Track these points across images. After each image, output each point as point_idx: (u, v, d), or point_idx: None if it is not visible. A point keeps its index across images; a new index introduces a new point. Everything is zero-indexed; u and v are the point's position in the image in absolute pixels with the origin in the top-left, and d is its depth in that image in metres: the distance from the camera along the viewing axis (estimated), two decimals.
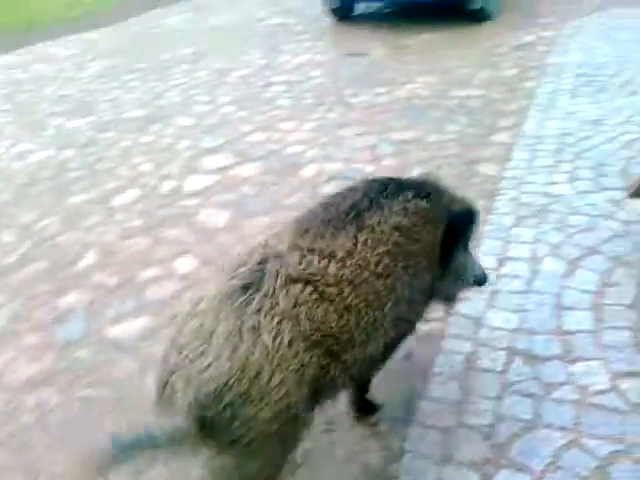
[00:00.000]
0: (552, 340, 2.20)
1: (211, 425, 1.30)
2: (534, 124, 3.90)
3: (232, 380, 1.27)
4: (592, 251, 2.63)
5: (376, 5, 7.52)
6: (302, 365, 1.36)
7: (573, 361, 2.09)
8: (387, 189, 1.63)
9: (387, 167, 3.67)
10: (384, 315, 1.53)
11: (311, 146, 4.08)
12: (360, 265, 1.47)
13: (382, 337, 1.56)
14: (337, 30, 7.06)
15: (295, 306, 1.37)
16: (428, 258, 1.66)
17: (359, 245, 1.49)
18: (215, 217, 3.37)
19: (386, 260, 1.51)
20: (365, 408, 1.99)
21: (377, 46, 6.17)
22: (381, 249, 1.51)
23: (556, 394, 1.97)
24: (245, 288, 1.37)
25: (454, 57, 5.53)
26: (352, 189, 1.65)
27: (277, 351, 1.32)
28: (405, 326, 1.71)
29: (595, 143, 3.55)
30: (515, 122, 4.01)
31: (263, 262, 1.43)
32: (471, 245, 1.91)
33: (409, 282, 1.58)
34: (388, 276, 1.52)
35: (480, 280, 1.96)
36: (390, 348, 1.73)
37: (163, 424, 1.29)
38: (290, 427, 1.41)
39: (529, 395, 1.98)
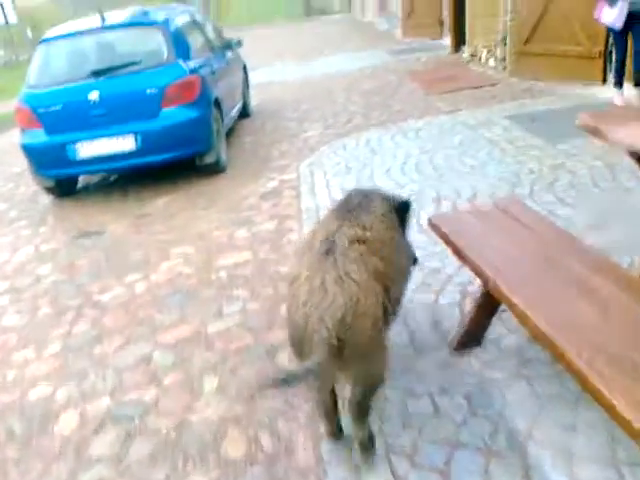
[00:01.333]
0: None
1: (344, 341, 1.88)
2: None
3: (348, 306, 1.91)
4: (456, 445, 2.19)
5: (101, 174, 6.86)
6: (376, 292, 2.04)
7: None
8: (363, 200, 2.41)
9: (172, 386, 2.90)
10: (396, 267, 2.26)
11: (62, 380, 3.10)
12: (379, 233, 2.24)
13: (399, 283, 2.34)
14: (61, 208, 6.14)
15: (361, 255, 2.08)
16: (399, 236, 2.45)
17: (374, 223, 2.26)
18: None
19: (389, 234, 2.30)
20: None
21: (113, 220, 5.44)
22: (384, 226, 2.30)
23: None
24: (327, 253, 2.05)
25: (203, 219, 5.08)
26: (345, 200, 2.46)
27: (363, 283, 1.98)
28: (404, 283, 2.47)
29: None
30: None
31: (329, 237, 2.13)
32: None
33: (398, 250, 2.36)
34: (391, 242, 2.29)
35: (415, 258, 2.77)
36: (400, 298, 2.42)
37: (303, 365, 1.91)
38: (381, 336, 2.10)
39: None
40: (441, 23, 13.88)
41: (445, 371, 2.60)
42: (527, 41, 7.86)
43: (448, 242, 2.63)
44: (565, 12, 7.15)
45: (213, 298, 3.69)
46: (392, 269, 2.20)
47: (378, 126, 7.04)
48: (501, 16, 9.58)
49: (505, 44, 8.79)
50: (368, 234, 2.17)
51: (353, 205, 2.35)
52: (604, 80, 7.01)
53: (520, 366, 2.54)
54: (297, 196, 5.20)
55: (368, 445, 2.17)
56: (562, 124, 5.88)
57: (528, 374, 2.48)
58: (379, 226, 2.26)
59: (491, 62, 9.14)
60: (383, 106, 8.10)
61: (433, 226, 2.74)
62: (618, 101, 6.00)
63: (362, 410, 2.13)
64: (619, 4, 5.43)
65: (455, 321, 2.93)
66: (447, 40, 13.04)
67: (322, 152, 6.40)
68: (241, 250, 4.33)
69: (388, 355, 2.16)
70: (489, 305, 2.63)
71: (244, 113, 8.54)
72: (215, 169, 6.20)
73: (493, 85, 8.17)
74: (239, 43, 8.14)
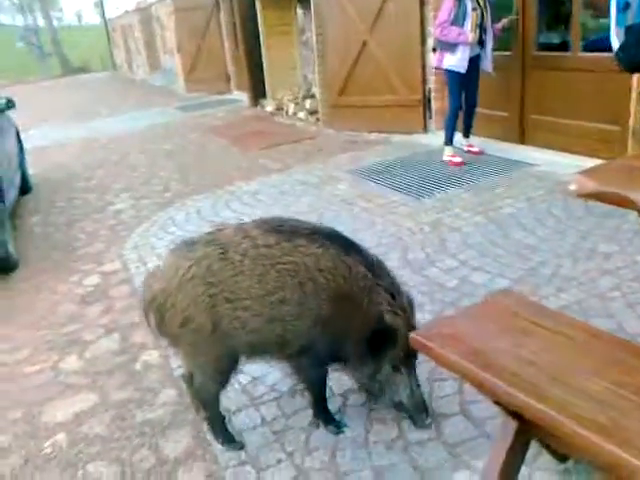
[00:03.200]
0: None
1: (155, 316, 2.20)
2: None
3: (162, 292, 2.14)
4: None
5: None
6: (200, 294, 2.09)
7: None
8: (344, 244, 2.20)
9: None
10: (266, 301, 2.10)
11: None
12: (267, 255, 2.08)
13: (269, 323, 2.13)
14: None
15: (203, 258, 2.11)
16: (325, 306, 2.12)
17: (278, 246, 2.09)
18: None
19: (287, 266, 2.08)
20: (322, 418, 2.41)
21: None
22: (288, 260, 2.08)
23: None
24: (184, 243, 2.25)
25: (1, 344, 3.57)
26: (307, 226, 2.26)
27: (182, 281, 2.10)
28: (287, 339, 2.18)
29: None
30: None
31: (212, 232, 2.26)
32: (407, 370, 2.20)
33: (296, 299, 2.10)
34: (279, 278, 2.08)
35: (408, 409, 2.25)
36: (283, 349, 2.23)
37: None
38: (198, 338, 2.16)
39: None
40: (227, 77, 13.44)
41: None
42: (341, 93, 7.61)
43: (452, 366, 1.83)
44: (378, 62, 7.04)
45: None
46: (252, 295, 2.09)
47: (203, 192, 6.05)
48: (300, 69, 9.38)
49: (313, 96, 8.52)
50: (242, 245, 2.11)
51: (279, 224, 2.22)
52: (425, 128, 7.00)
53: None
54: (134, 294, 3.98)
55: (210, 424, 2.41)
56: (410, 175, 5.58)
57: None
58: (277, 254, 2.09)
59: (301, 115, 8.77)
60: (199, 168, 7.14)
61: (421, 345, 1.91)
62: (449, 158, 5.80)
63: (195, 395, 2.39)
64: (460, 48, 5.31)
65: None
66: (237, 94, 12.63)
67: (146, 230, 5.21)
68: (79, 391, 2.99)
69: (216, 372, 2.29)
70: (522, 445, 1.88)
71: (24, 187, 6.86)
72: (4, 268, 4.62)
73: (312, 138, 7.75)
74: (10, 104, 6.52)
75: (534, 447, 2.03)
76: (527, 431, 1.84)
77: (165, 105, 13.19)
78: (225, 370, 2.31)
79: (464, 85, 5.57)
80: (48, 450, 2.59)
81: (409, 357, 2.21)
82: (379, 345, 2.15)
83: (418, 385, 2.27)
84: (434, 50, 5.73)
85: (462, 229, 4.15)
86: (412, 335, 1.94)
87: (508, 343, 1.79)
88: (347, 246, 2.20)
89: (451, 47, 5.39)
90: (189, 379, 2.39)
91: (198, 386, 2.34)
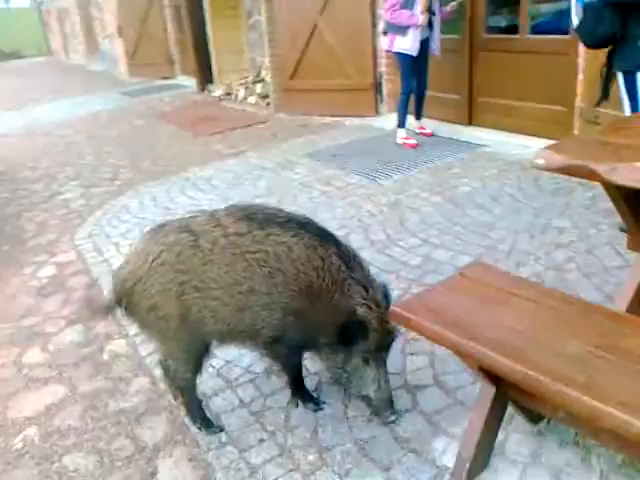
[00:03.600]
0: None
1: (124, 301, 2.17)
2: None
3: (133, 276, 2.11)
4: None
5: None
6: (168, 280, 2.06)
7: None
8: (319, 234, 2.14)
9: None
10: (235, 291, 2.07)
11: None
12: (237, 244, 2.04)
13: (239, 312, 2.11)
14: None
15: (174, 244, 2.07)
16: (294, 296, 2.09)
17: (250, 235, 2.05)
18: None
19: (257, 255, 2.04)
20: (300, 396, 2.43)
21: None
22: (258, 249, 2.04)
23: None
24: (157, 228, 2.19)
25: None
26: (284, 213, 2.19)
27: (152, 267, 2.07)
28: (257, 329, 2.15)
29: None
30: None
31: (184, 219, 2.20)
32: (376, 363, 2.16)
33: (266, 289, 2.07)
34: (248, 267, 2.04)
35: (373, 403, 2.22)
36: (251, 336, 2.22)
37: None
38: (167, 325, 2.14)
39: None
40: (171, 61, 13.14)
41: None
42: (292, 76, 7.59)
43: (434, 336, 1.89)
44: (330, 46, 7.05)
45: None
46: (220, 285, 2.07)
47: (157, 179, 5.93)
48: (247, 52, 9.28)
49: (263, 80, 8.46)
50: (213, 233, 2.08)
51: (252, 211, 2.17)
52: (376, 111, 7.07)
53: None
54: (94, 284, 3.88)
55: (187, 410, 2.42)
56: (366, 158, 5.64)
57: None
58: (248, 243, 2.06)
59: (251, 99, 8.69)
60: (150, 155, 6.98)
61: (402, 317, 1.96)
62: (404, 140, 5.89)
63: (171, 381, 2.38)
64: (411, 31, 5.37)
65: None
66: (182, 79, 12.39)
67: (99, 218, 5.07)
68: (46, 384, 2.91)
69: (188, 358, 2.27)
70: (500, 409, 1.97)
71: None
72: None
73: (264, 123, 7.71)
74: None
75: (508, 412, 2.13)
76: (504, 395, 1.93)
77: (108, 91, 12.77)
78: (197, 356, 2.30)
79: (415, 68, 5.65)
80: (19, 445, 2.52)
81: (380, 351, 2.18)
82: (349, 337, 2.11)
83: (387, 380, 2.21)
84: (385, 33, 5.78)
85: (421, 209, 4.24)
86: (392, 308, 2.00)
87: (487, 312, 1.87)
88: (322, 236, 2.15)
89: (402, 30, 5.45)
90: (165, 365, 2.37)
91: (173, 373, 2.33)
